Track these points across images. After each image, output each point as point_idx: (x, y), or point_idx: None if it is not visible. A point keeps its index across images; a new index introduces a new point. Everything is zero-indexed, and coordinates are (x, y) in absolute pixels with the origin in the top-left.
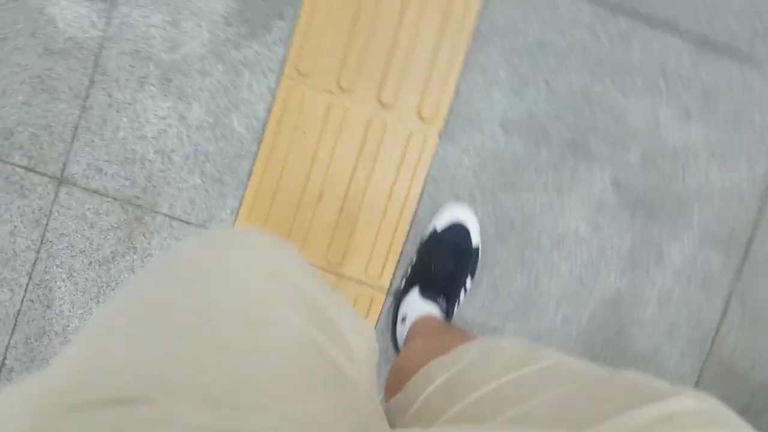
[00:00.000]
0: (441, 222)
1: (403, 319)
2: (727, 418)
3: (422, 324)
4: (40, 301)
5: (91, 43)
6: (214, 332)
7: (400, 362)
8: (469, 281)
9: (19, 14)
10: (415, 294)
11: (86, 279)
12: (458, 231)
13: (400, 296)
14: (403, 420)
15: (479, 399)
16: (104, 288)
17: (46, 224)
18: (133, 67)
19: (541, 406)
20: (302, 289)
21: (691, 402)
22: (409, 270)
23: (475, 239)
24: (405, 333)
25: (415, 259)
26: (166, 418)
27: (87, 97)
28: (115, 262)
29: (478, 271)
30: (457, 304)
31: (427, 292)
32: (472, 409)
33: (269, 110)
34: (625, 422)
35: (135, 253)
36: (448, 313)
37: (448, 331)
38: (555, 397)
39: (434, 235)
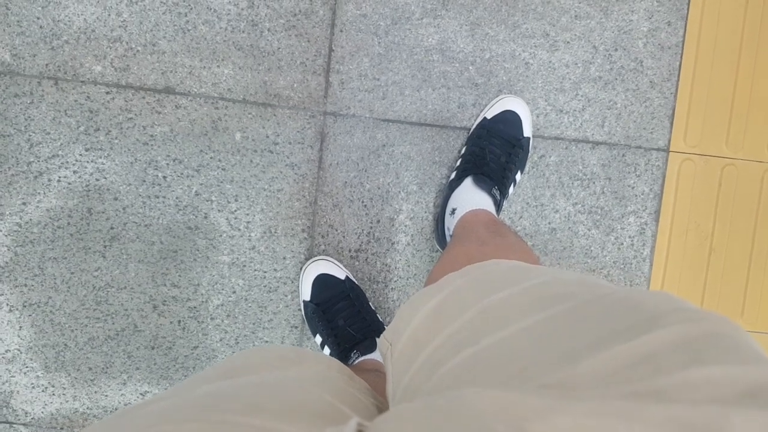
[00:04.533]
0: (492, 112)
1: (453, 212)
2: (718, 344)
3: (471, 219)
4: None
5: None
6: None
7: (435, 271)
8: (518, 175)
9: None
10: (468, 183)
11: None
12: (510, 119)
13: (450, 188)
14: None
15: (461, 327)
16: None
17: None
18: None
19: (518, 335)
20: None
21: (678, 331)
22: (459, 161)
23: (527, 129)
24: (453, 226)
25: (464, 150)
26: None
27: None
28: None
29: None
30: (506, 198)
31: (482, 181)
32: (450, 343)
33: None
34: (598, 366)
35: None
36: (499, 207)
37: (495, 233)
38: (534, 323)
39: (484, 123)
